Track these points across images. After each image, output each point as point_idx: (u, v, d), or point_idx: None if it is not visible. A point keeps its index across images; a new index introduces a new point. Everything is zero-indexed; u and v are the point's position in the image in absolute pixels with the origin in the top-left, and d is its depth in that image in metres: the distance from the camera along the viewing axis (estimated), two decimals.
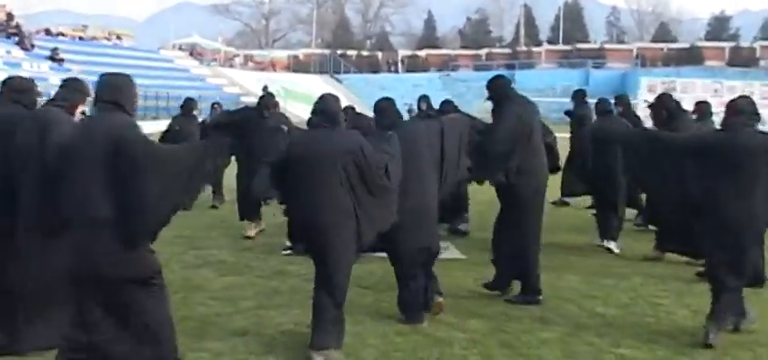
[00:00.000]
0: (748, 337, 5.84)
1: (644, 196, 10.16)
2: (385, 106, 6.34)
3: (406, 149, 5.67)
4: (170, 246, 8.41)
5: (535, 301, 6.72)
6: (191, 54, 51.58)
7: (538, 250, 6.90)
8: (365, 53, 67.79)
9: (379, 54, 67.01)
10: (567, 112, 12.71)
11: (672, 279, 7.80)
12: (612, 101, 10.62)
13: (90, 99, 4.99)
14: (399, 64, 63.65)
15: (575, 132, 12.02)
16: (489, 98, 6.94)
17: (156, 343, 4.37)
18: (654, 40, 68.16)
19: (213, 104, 15.34)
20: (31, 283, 5.13)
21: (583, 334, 5.93)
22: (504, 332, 5.93)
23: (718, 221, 5.80)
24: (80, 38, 43.51)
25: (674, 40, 66.70)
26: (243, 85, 44.77)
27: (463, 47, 70.50)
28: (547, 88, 47.82)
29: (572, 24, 71.12)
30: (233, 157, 9.70)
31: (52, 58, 33.44)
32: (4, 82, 5.86)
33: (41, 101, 6.13)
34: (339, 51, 64.46)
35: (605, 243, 9.41)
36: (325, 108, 5.45)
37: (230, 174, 10.55)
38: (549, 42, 69.19)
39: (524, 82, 47.44)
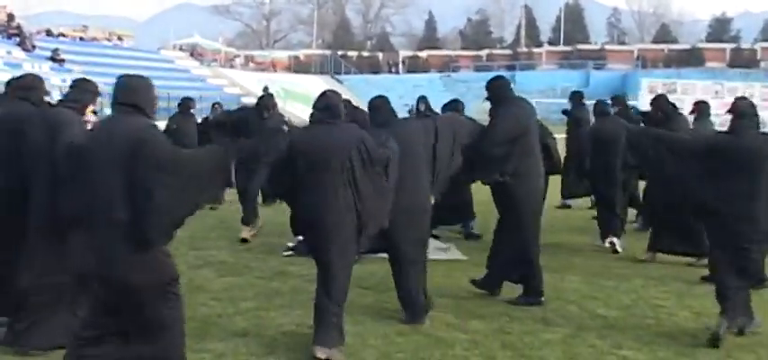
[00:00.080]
0: (751, 338, 5.83)
1: (642, 197, 10.17)
2: (379, 104, 6.34)
3: (402, 148, 5.67)
4: (170, 246, 8.38)
5: (537, 302, 6.72)
6: (191, 54, 51.53)
7: (538, 252, 6.89)
8: (366, 54, 67.78)
9: (380, 55, 67.00)
10: (565, 111, 12.74)
11: (673, 281, 7.79)
12: (609, 101, 10.65)
13: (100, 99, 4.99)
14: (400, 65, 63.62)
15: (571, 134, 12.06)
16: (488, 99, 6.94)
17: (164, 355, 4.38)
18: (655, 42, 68.14)
19: (214, 104, 15.35)
20: (39, 281, 5.14)
21: (584, 335, 5.92)
22: (506, 333, 5.93)
23: (722, 222, 5.83)
24: (81, 38, 43.46)
25: (675, 42, 66.67)
26: (243, 86, 44.74)
27: (464, 48, 70.49)
28: (547, 89, 47.80)
29: (573, 25, 71.10)
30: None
31: (53, 59, 33.41)
32: (12, 80, 5.89)
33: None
34: (340, 52, 64.44)
35: (607, 242, 9.41)
36: (326, 104, 5.47)
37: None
38: (550, 43, 69.19)
39: (525, 83, 47.42)
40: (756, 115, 6.04)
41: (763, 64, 55.03)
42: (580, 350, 5.59)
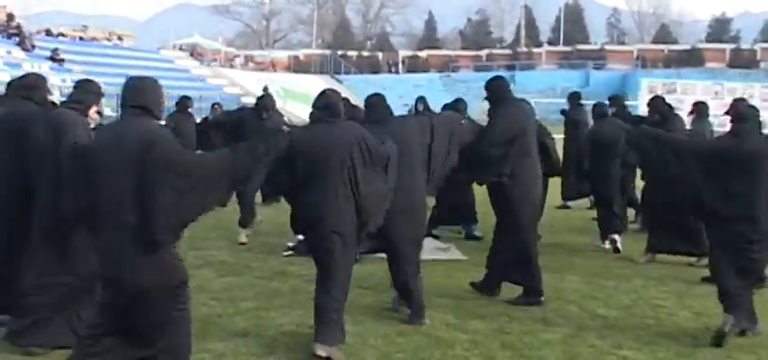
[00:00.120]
0: (752, 339, 5.82)
1: (640, 198, 10.19)
2: (375, 101, 6.34)
3: (398, 146, 5.67)
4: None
5: (537, 302, 6.71)
6: (191, 54, 51.48)
7: (536, 252, 6.90)
8: (366, 54, 67.74)
9: (380, 55, 66.97)
10: (563, 112, 12.76)
11: (673, 281, 7.79)
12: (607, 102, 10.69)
13: (103, 99, 5.00)
14: (400, 64, 63.59)
15: (569, 135, 12.08)
16: (487, 98, 6.95)
17: (170, 358, 4.39)
18: (654, 42, 68.12)
19: (213, 105, 15.33)
20: (41, 281, 5.15)
21: (584, 335, 5.92)
22: (506, 333, 5.92)
23: (722, 223, 5.85)
24: (80, 38, 43.44)
25: (675, 42, 66.67)
26: (243, 86, 44.72)
27: (464, 48, 70.47)
28: (547, 89, 47.78)
29: (572, 25, 71.09)
30: None
31: (53, 59, 33.39)
32: (14, 80, 5.90)
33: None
34: (339, 52, 64.41)
35: (608, 241, 9.43)
36: (326, 102, 5.48)
37: None
38: (550, 43, 69.17)
39: (525, 83, 47.44)
40: (759, 118, 6.06)
41: (762, 64, 55.02)
42: (580, 350, 5.59)
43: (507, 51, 66.52)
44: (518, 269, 6.81)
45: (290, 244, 8.54)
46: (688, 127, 9.95)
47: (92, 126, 5.49)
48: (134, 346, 4.31)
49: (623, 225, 9.89)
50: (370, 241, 6.40)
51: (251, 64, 58.74)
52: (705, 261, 7.90)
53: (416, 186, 6.03)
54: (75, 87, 5.65)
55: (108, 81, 20.40)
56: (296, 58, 64.79)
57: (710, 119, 10.73)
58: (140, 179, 4.07)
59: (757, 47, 59.47)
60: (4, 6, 37.81)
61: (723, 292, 5.86)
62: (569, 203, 12.78)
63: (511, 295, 6.84)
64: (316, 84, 44.96)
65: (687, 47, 61.14)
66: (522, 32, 71.32)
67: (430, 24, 78.69)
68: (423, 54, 66.02)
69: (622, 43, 71.04)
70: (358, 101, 10.74)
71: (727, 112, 7.78)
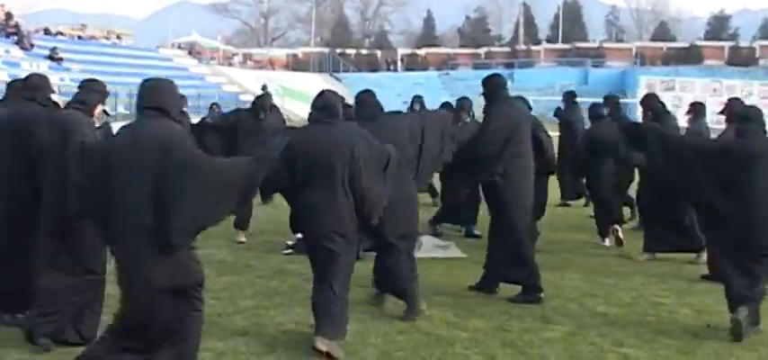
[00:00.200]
0: (753, 337, 5.80)
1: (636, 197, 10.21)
2: (365, 98, 6.39)
3: (391, 141, 5.67)
4: None
5: (537, 299, 6.70)
6: (189, 53, 51.41)
7: (532, 249, 6.90)
8: (364, 52, 67.69)
9: (378, 53, 66.90)
10: (557, 113, 12.72)
11: (673, 278, 7.78)
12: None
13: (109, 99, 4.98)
14: (398, 62, 63.57)
15: (564, 135, 12.09)
16: (483, 94, 6.97)
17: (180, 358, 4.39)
18: (653, 39, 68.08)
19: (212, 105, 15.27)
20: (48, 281, 5.15)
21: (585, 333, 5.91)
22: (506, 331, 5.92)
23: (726, 223, 5.84)
24: (79, 37, 43.36)
25: (674, 40, 66.65)
26: (242, 84, 44.66)
27: (462, 45, 70.44)
28: (546, 87, 47.75)
29: (571, 23, 71.06)
30: None
31: (51, 58, 33.34)
32: (14, 83, 5.89)
33: None
34: (338, 50, 64.35)
35: (608, 240, 9.46)
36: (324, 103, 5.49)
37: None
38: (549, 41, 69.14)
39: (523, 81, 47.43)
40: (763, 118, 6.08)
41: (761, 62, 55.00)
42: (580, 348, 5.58)
43: (506, 49, 66.47)
44: (514, 268, 6.80)
45: (290, 242, 8.53)
46: (685, 126, 9.98)
47: (97, 125, 5.48)
48: (146, 346, 4.31)
49: (620, 219, 9.90)
50: (371, 239, 6.42)
51: (249, 62, 58.69)
52: (704, 257, 7.92)
53: (406, 182, 6.05)
54: (79, 87, 5.65)
55: (107, 80, 20.31)
56: (294, 56, 64.76)
57: (709, 117, 10.75)
58: (157, 181, 4.06)
59: (756, 44, 59.44)
60: (2, 5, 37.73)
61: (730, 294, 5.86)
62: (569, 203, 12.79)
63: (510, 293, 6.83)
64: (314, 82, 44.99)
65: (686, 44, 61.08)
66: (521, 30, 71.26)
67: (428, 22, 78.66)
68: (421, 52, 65.96)
69: (621, 41, 71.01)
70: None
71: (721, 112, 7.81)
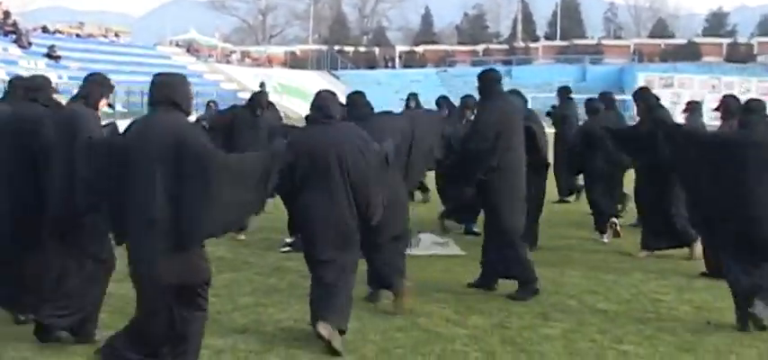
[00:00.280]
0: (753, 334, 5.79)
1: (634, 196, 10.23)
2: (356, 99, 6.43)
3: (382, 140, 5.66)
4: None
5: (534, 292, 6.69)
6: (187, 50, 51.36)
7: (524, 245, 6.90)
8: (362, 49, 67.71)
9: (376, 50, 66.92)
10: (549, 112, 12.64)
11: (673, 275, 7.77)
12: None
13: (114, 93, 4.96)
14: (396, 59, 63.57)
15: (559, 131, 12.07)
16: (478, 88, 7.00)
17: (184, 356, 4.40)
18: (651, 36, 68.15)
19: (209, 103, 15.22)
20: (55, 278, 5.15)
21: (585, 330, 5.90)
22: (506, 328, 5.91)
23: (729, 216, 5.85)
24: (77, 35, 43.24)
25: (672, 36, 66.70)
26: (240, 81, 44.64)
27: (460, 42, 70.48)
28: (544, 84, 47.69)
29: (569, 20, 71.07)
30: None
31: (49, 56, 33.29)
32: (15, 81, 5.88)
33: None
34: (336, 47, 64.35)
35: (606, 237, 9.47)
36: (320, 104, 5.48)
37: None
38: (547, 38, 69.26)
39: (521, 77, 47.42)
40: (765, 110, 6.09)
41: (759, 58, 55.11)
42: (580, 345, 5.57)
43: (504, 46, 66.55)
44: (508, 264, 6.80)
45: (288, 240, 8.51)
46: (682, 124, 9.97)
47: (103, 123, 5.47)
48: (152, 341, 4.30)
49: (617, 212, 9.96)
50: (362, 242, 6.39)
51: (247, 59, 58.65)
52: (697, 251, 7.90)
53: (395, 182, 6.05)
54: (83, 82, 5.64)
55: None
56: (292, 53, 64.74)
57: (706, 114, 10.76)
58: (169, 176, 4.03)
59: (754, 41, 59.56)
60: (0, 3, 37.67)
61: (736, 292, 5.87)
62: (568, 199, 12.78)
63: (510, 290, 6.82)
64: (312, 79, 45.01)
65: (684, 41, 61.19)
66: (519, 27, 71.29)
67: (426, 19, 78.67)
68: (419, 49, 66.00)
69: (619, 38, 71.07)
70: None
71: (716, 108, 7.81)
